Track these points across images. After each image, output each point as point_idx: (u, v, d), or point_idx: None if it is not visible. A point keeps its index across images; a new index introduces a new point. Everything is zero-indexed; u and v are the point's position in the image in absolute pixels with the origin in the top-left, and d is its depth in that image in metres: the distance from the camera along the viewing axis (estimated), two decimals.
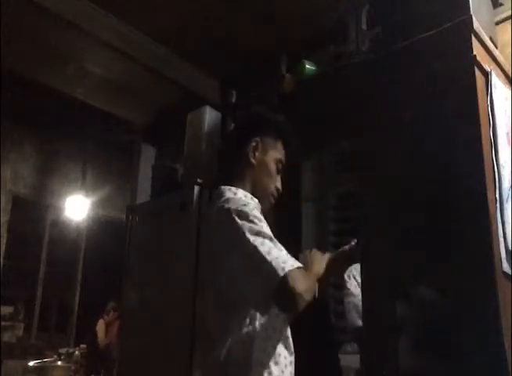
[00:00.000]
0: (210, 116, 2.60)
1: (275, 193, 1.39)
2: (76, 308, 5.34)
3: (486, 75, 1.62)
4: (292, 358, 1.21)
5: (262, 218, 1.20)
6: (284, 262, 1.08)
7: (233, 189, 1.30)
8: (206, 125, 2.57)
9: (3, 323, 4.63)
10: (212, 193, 1.34)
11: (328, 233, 2.31)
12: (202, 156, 2.54)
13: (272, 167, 1.38)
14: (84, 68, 3.03)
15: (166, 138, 3.47)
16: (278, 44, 2.64)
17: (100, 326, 4.38)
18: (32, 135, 5.13)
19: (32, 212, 5.22)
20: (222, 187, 1.30)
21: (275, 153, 1.39)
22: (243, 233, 1.13)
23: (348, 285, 2.02)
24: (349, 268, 1.91)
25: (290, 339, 1.23)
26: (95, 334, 4.31)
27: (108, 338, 4.27)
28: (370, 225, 1.72)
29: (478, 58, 1.58)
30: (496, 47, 1.85)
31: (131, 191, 3.60)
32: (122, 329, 2.73)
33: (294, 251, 1.28)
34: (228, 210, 1.18)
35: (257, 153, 1.35)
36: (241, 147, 1.36)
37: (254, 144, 1.35)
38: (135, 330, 2.53)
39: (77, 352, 4.01)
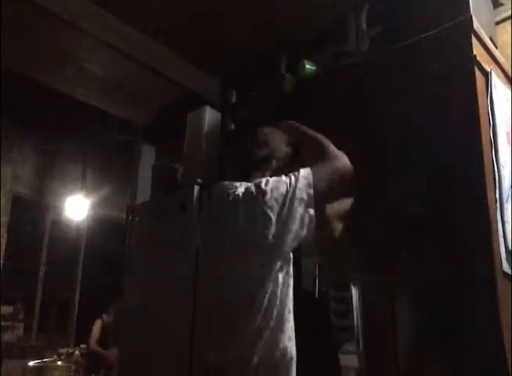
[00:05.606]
0: (210, 116, 2.59)
1: None
2: (76, 308, 5.33)
3: (486, 75, 1.62)
4: None
5: None
6: None
7: None
8: (206, 125, 2.56)
9: (3, 323, 4.63)
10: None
11: None
12: (202, 156, 2.53)
13: None
14: (84, 68, 3.03)
15: (166, 138, 3.47)
16: (278, 44, 2.64)
17: (96, 326, 4.35)
18: (32, 135, 5.12)
19: (32, 212, 5.21)
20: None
21: None
22: None
23: None
24: None
25: None
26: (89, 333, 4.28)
27: (99, 345, 4.21)
28: (370, 225, 1.72)
29: (478, 58, 1.58)
30: (496, 47, 1.85)
31: (131, 191, 3.60)
32: (122, 329, 2.72)
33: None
34: None
35: None
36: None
37: None
38: (135, 330, 2.53)
39: (77, 352, 3.98)
